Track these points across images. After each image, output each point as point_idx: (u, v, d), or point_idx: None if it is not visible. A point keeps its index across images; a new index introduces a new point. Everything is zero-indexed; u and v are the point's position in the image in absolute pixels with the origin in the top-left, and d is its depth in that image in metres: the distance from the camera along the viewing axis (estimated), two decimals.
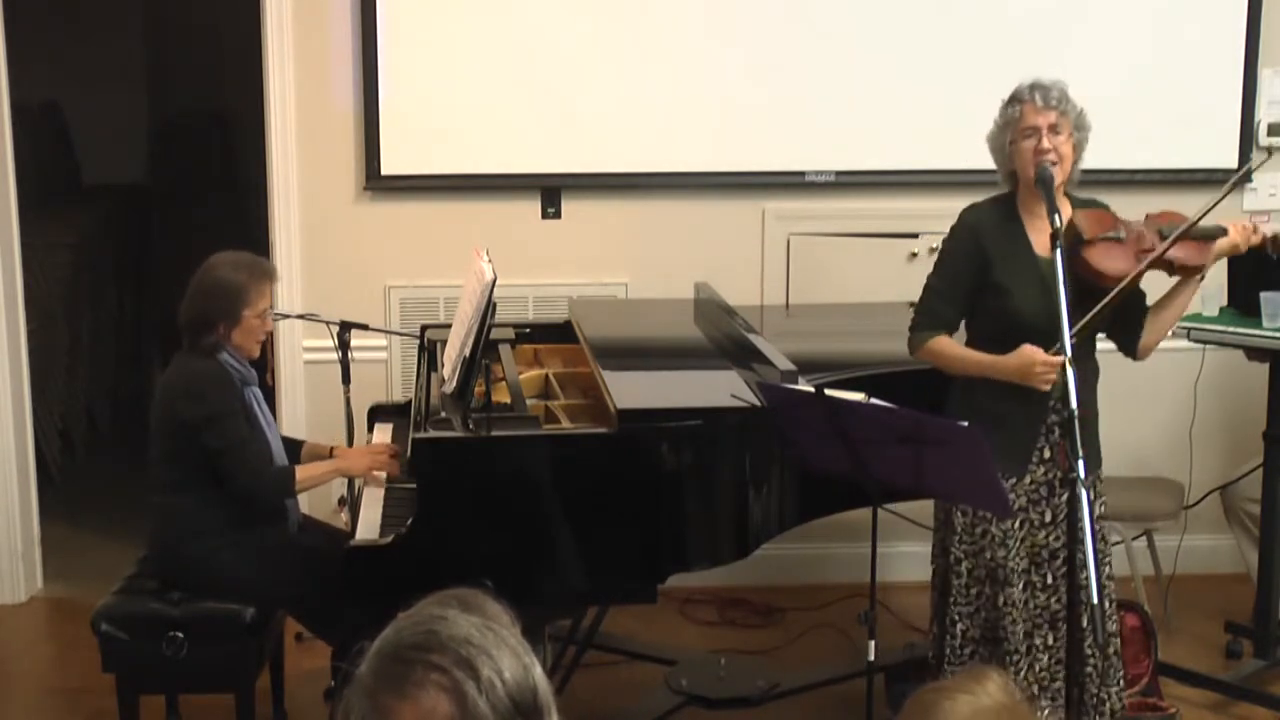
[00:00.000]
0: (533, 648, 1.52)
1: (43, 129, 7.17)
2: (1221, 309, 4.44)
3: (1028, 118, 3.44)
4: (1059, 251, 3.28)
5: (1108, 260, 3.41)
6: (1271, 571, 4.43)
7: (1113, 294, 3.38)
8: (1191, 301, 3.60)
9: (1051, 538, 3.52)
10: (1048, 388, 3.38)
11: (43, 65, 6.83)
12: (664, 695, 4.23)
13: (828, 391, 3.24)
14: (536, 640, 3.46)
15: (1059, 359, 3.31)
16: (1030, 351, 3.37)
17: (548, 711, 1.49)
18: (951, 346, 3.54)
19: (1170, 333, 3.65)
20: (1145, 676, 4.15)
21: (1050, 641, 3.54)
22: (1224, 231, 3.49)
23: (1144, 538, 4.83)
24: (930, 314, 3.57)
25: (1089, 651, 3.54)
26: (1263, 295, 4.22)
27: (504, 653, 1.47)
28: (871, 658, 3.37)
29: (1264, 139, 5.12)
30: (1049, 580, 3.53)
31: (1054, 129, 3.43)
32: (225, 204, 7.67)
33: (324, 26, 4.85)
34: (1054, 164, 3.41)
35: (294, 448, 4.01)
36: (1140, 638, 4.18)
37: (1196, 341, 4.42)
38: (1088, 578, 3.10)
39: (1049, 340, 3.36)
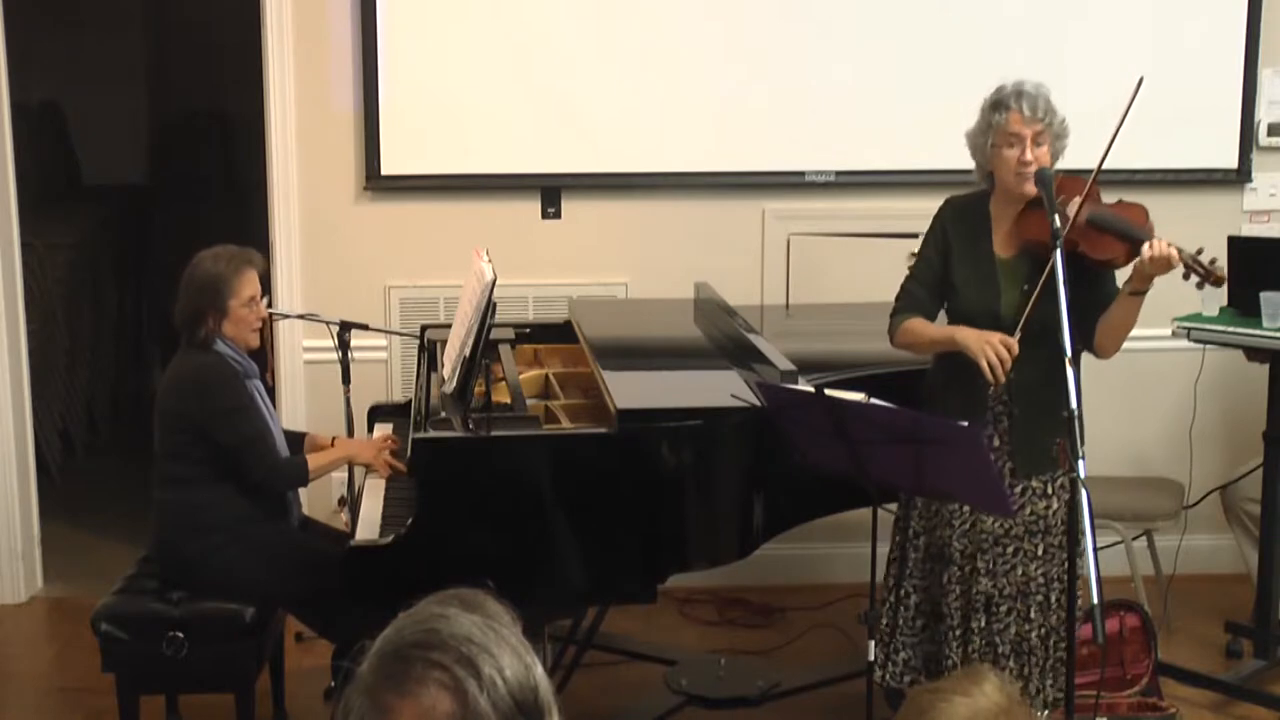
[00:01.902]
0: (533, 647, 1.52)
1: (43, 129, 7.17)
2: (1221, 309, 4.44)
3: (1013, 125, 3.46)
4: (1059, 251, 3.28)
5: (1033, 222, 3.47)
6: (1271, 571, 4.43)
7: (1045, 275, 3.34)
8: (1136, 315, 3.47)
9: (995, 524, 3.56)
10: (985, 367, 3.37)
11: (43, 65, 6.83)
12: (664, 695, 4.23)
13: (828, 391, 3.24)
14: (537, 640, 3.46)
15: (1014, 345, 3.35)
16: (991, 332, 3.41)
17: (549, 711, 1.49)
18: (919, 323, 3.60)
19: (1128, 338, 3.57)
20: (1145, 676, 4.15)
21: (984, 624, 3.58)
22: (1143, 238, 3.37)
23: (1144, 538, 4.82)
24: (906, 297, 3.66)
25: (1035, 642, 3.56)
26: (1263, 295, 4.23)
27: (505, 651, 1.46)
28: (871, 658, 3.37)
29: (1264, 139, 5.13)
30: (991, 565, 3.57)
31: (1037, 140, 3.46)
32: (225, 204, 7.67)
33: (324, 26, 4.86)
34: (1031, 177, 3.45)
35: (295, 440, 4.02)
36: (1140, 638, 4.17)
37: (1196, 341, 4.42)
38: (1086, 575, 3.10)
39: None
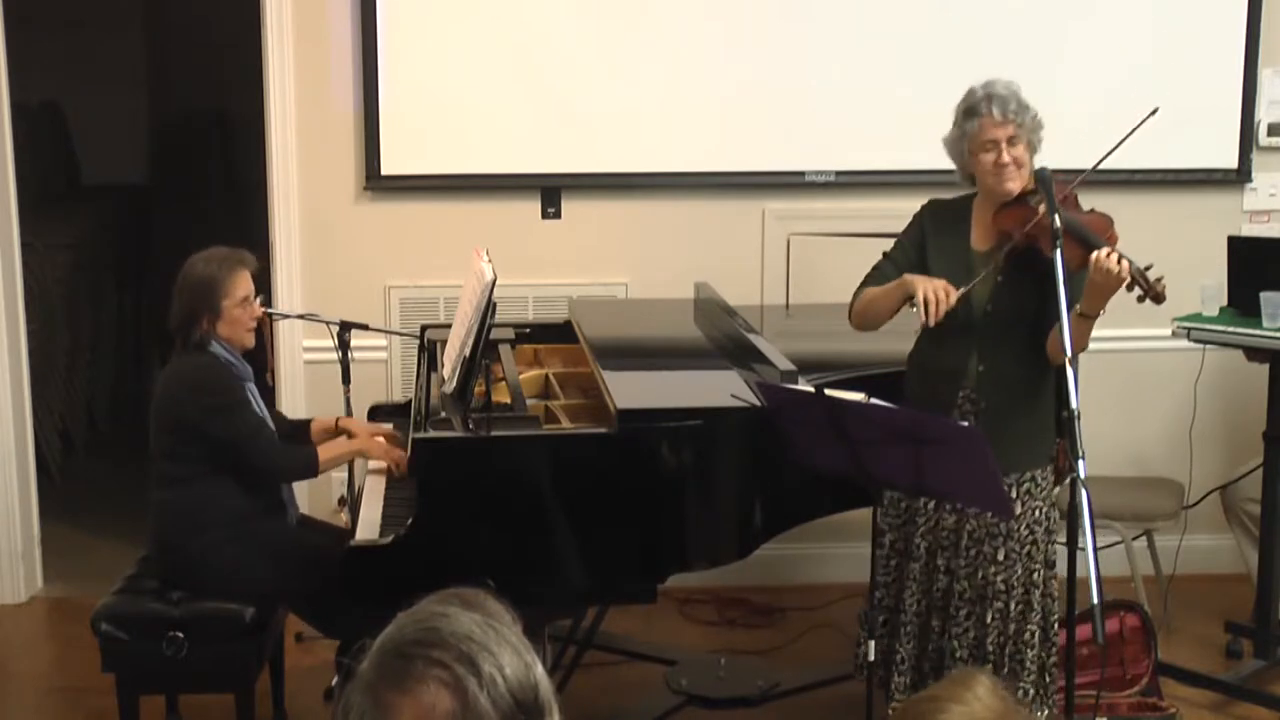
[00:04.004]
0: (533, 647, 1.52)
1: (43, 129, 7.17)
2: (1221, 309, 4.44)
3: (986, 131, 3.48)
4: (1059, 251, 3.28)
5: (1004, 215, 3.50)
6: (1271, 571, 4.43)
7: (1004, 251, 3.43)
8: (1086, 338, 3.40)
9: (960, 525, 3.55)
10: (920, 300, 3.38)
11: (43, 65, 6.83)
12: (664, 695, 4.23)
13: (828, 391, 3.24)
14: (536, 640, 3.46)
15: (954, 293, 3.37)
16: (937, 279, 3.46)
17: (549, 710, 1.49)
18: (871, 289, 3.62)
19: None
20: (1145, 676, 4.15)
21: (941, 624, 3.58)
22: (1098, 245, 3.34)
23: (1144, 538, 4.82)
24: (873, 274, 3.67)
25: (990, 649, 3.56)
26: (1263, 295, 4.22)
27: (505, 650, 1.47)
28: (871, 657, 3.37)
29: (1264, 139, 5.13)
30: (950, 565, 3.56)
31: (1012, 141, 3.47)
32: (225, 204, 7.68)
33: (324, 27, 4.86)
34: (1011, 176, 3.47)
35: (302, 427, 4.05)
36: (1140, 638, 4.17)
37: (1196, 341, 4.42)
38: (1089, 578, 3.10)
39: (961, 323, 3.44)
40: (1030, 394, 3.48)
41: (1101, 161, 3.43)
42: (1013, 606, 3.53)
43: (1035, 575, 3.54)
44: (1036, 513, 3.55)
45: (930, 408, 3.43)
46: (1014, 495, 3.51)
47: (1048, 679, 3.59)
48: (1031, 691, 3.55)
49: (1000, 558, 3.52)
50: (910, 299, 3.48)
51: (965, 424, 3.17)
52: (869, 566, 3.41)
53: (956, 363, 3.52)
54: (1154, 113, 3.33)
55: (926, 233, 3.65)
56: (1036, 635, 3.55)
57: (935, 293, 3.38)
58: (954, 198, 3.70)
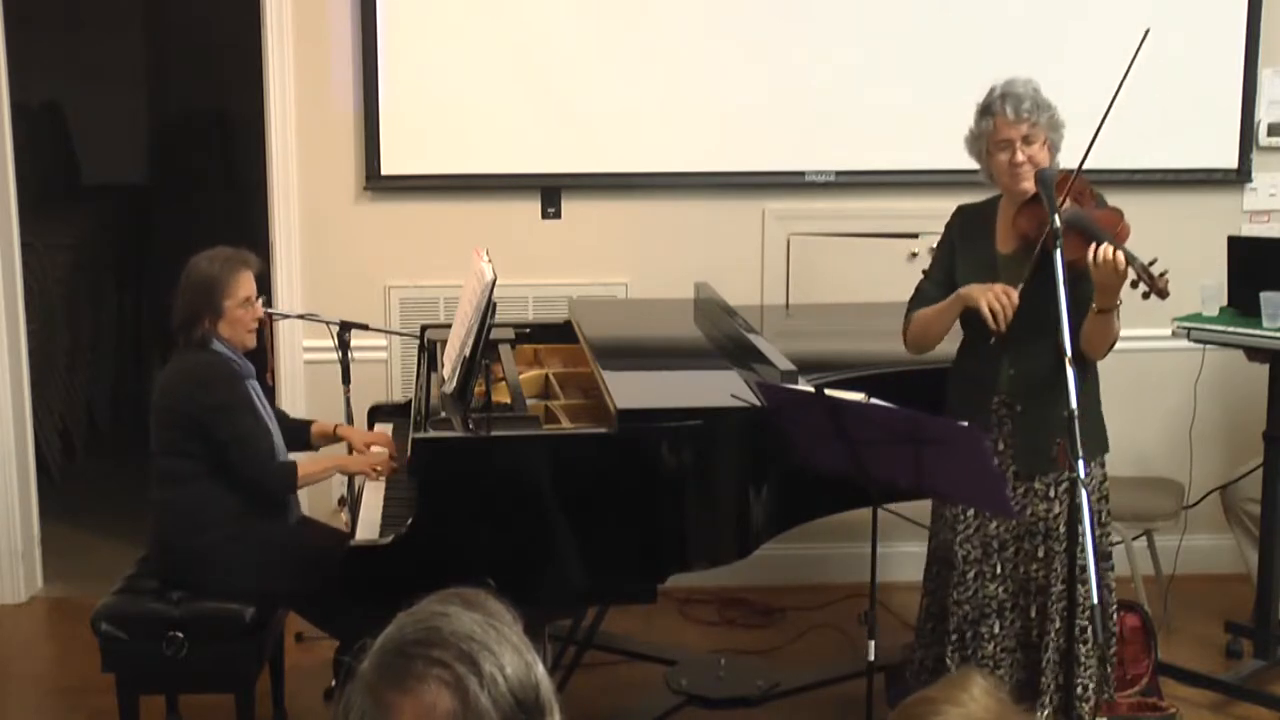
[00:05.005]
0: (533, 647, 1.52)
1: (43, 129, 7.17)
2: (1221, 309, 4.44)
3: (1000, 131, 3.49)
4: (1059, 251, 3.28)
5: (1023, 217, 3.49)
6: (1271, 571, 4.43)
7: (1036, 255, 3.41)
8: (1110, 330, 3.41)
9: (1002, 529, 3.56)
10: (985, 311, 3.39)
11: (43, 65, 6.83)
12: (664, 695, 4.23)
13: (828, 391, 3.25)
14: (537, 640, 3.46)
15: (1014, 294, 3.39)
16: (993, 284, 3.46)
17: (549, 709, 1.49)
18: (924, 309, 3.65)
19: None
20: (1145, 676, 4.15)
21: (995, 630, 3.59)
22: (1103, 240, 3.31)
23: (1144, 538, 4.82)
24: (918, 296, 3.71)
25: (1035, 638, 3.57)
26: (1263, 295, 4.22)
27: (506, 649, 1.47)
28: (871, 658, 3.37)
29: (1264, 139, 5.13)
30: (998, 570, 3.58)
31: (1027, 140, 3.47)
32: (225, 204, 7.68)
33: (324, 27, 4.86)
34: (1027, 176, 3.47)
35: (302, 428, 4.05)
36: (1140, 638, 4.18)
37: (1196, 341, 4.42)
38: (1087, 575, 3.10)
39: (986, 327, 3.43)
40: (1063, 394, 3.45)
41: (1110, 109, 3.39)
42: (1050, 605, 3.54)
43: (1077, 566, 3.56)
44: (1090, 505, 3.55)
45: (967, 416, 3.40)
46: (1051, 494, 3.53)
47: (1108, 668, 3.62)
48: (1095, 680, 3.57)
49: (1040, 555, 3.54)
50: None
51: (965, 424, 3.17)
52: (869, 566, 3.41)
53: (988, 369, 3.53)
54: (1147, 34, 3.32)
55: (955, 239, 3.68)
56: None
57: (998, 299, 3.40)
58: (981, 201, 3.71)
